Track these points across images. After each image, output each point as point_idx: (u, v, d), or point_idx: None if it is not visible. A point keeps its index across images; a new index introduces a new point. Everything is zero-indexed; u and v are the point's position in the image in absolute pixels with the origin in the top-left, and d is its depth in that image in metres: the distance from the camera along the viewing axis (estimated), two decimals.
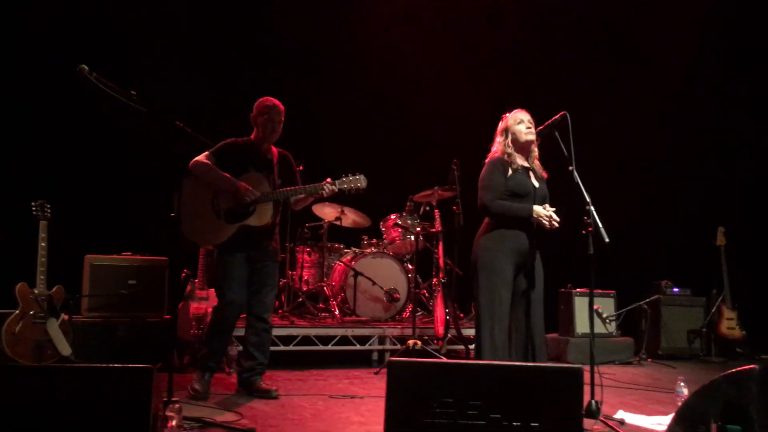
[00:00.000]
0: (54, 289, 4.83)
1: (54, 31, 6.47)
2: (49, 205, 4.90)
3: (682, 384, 4.08)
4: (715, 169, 7.79)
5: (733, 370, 3.02)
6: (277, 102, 4.45)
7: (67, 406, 2.69)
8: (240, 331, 5.63)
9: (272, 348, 5.37)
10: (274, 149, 4.55)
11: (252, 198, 4.25)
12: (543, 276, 4.19)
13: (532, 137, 4.13)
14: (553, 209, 4.01)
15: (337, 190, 4.42)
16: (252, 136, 4.50)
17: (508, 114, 4.24)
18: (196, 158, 4.32)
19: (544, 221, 3.98)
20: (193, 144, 4.09)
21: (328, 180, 4.43)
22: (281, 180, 4.50)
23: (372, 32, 7.98)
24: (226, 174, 4.28)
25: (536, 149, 4.21)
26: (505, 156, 4.14)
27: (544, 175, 4.23)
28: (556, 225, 3.99)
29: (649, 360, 6.70)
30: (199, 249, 5.53)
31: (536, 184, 4.14)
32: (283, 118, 4.45)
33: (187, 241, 4.31)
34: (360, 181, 4.44)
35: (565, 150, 3.97)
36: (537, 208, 4.00)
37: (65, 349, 4.75)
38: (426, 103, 8.14)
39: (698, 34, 7.75)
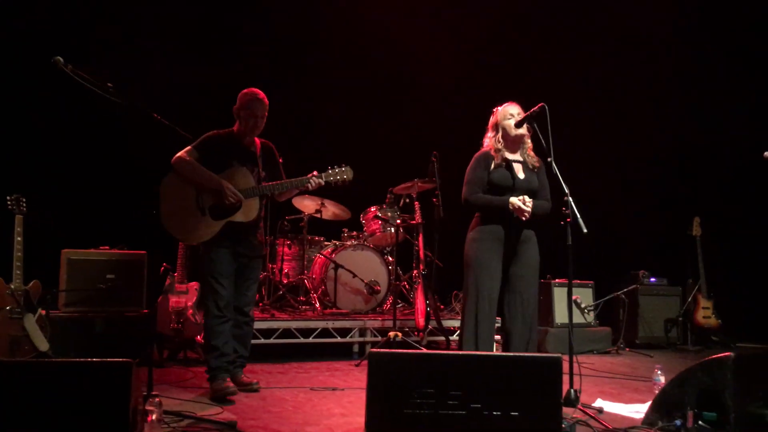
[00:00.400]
0: (30, 284, 4.77)
1: (29, 20, 6.38)
2: (24, 199, 4.83)
3: (659, 372, 4.13)
4: (690, 159, 7.88)
5: (709, 358, 3.07)
6: (261, 95, 4.33)
7: (45, 401, 2.67)
8: None
9: (253, 341, 5.31)
10: (257, 140, 4.47)
11: (235, 200, 4.17)
12: (537, 266, 4.22)
13: (522, 131, 4.16)
14: (530, 201, 4.04)
15: (323, 183, 4.38)
16: (234, 128, 4.40)
17: (498, 108, 4.26)
18: (178, 154, 4.21)
19: (515, 212, 4.02)
20: (172, 136, 4.02)
21: (315, 173, 4.38)
22: (265, 172, 4.44)
23: (353, 24, 7.95)
24: (208, 171, 4.19)
25: (528, 141, 4.25)
26: (492, 151, 4.18)
27: (537, 165, 4.25)
28: (527, 216, 4.03)
29: (627, 349, 6.78)
30: (178, 243, 5.49)
31: (521, 176, 4.17)
32: (266, 112, 4.35)
33: (170, 236, 4.25)
34: (346, 173, 4.41)
35: (543, 141, 3.99)
36: (512, 200, 4.04)
37: (42, 344, 4.70)
38: (406, 95, 8.14)
39: (676, 21, 7.81)
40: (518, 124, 4.15)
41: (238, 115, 4.35)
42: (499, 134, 4.21)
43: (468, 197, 4.16)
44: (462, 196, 4.20)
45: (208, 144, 4.29)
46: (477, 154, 4.26)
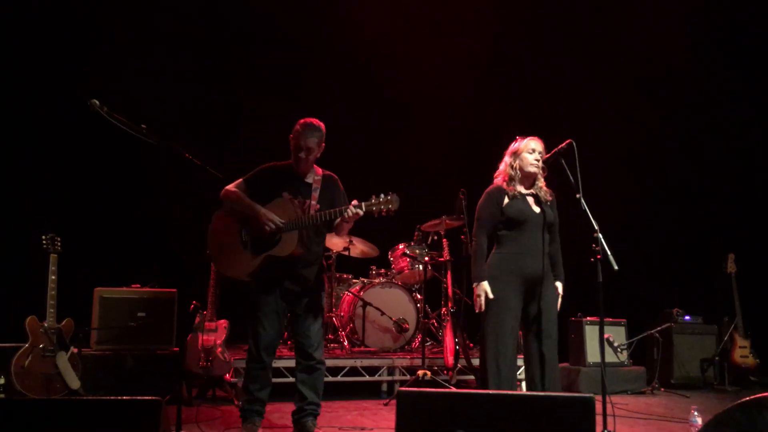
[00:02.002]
0: (63, 322, 4.84)
1: (69, 65, 6.59)
2: (59, 239, 4.93)
3: (696, 413, 4.03)
4: (725, 194, 7.77)
5: (747, 398, 2.98)
6: (312, 124, 4.08)
7: None
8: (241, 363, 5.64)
9: (280, 380, 5.35)
10: (319, 171, 4.22)
11: (272, 227, 3.94)
12: (557, 301, 4.17)
13: (536, 170, 4.16)
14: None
15: (362, 213, 3.95)
16: (291, 160, 4.18)
17: (522, 138, 4.26)
18: (227, 187, 4.11)
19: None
20: (203, 176, 4.07)
21: (354, 202, 4.00)
22: (321, 204, 4.12)
23: (380, 60, 8.05)
24: (249, 201, 4.03)
25: (542, 179, 4.24)
26: (505, 184, 4.18)
27: (549, 198, 4.23)
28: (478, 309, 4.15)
29: (662, 389, 6.61)
30: (209, 281, 5.54)
31: (536, 209, 4.15)
32: (313, 144, 4.05)
33: (215, 273, 4.19)
34: (392, 202, 3.96)
35: (571, 177, 3.97)
36: (478, 292, 4.13)
37: (74, 382, 4.74)
38: (433, 132, 8.18)
39: (708, 53, 7.78)
40: (546, 161, 4.14)
41: (291, 144, 4.13)
42: (516, 163, 4.19)
43: (475, 237, 4.21)
44: (473, 232, 4.24)
45: (259, 176, 4.14)
46: (488, 190, 4.25)
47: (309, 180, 4.18)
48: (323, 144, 4.16)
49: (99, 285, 5.55)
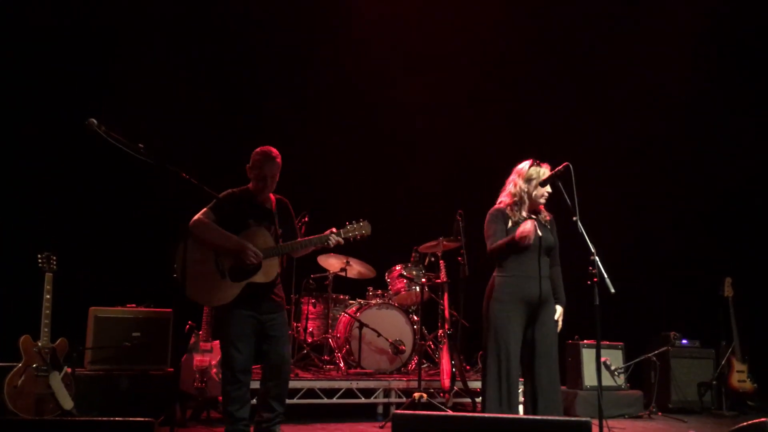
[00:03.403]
0: (57, 342, 4.81)
1: (64, 82, 6.61)
2: (55, 257, 4.92)
3: None
4: (723, 218, 7.79)
5: (744, 423, 2.97)
6: (272, 153, 4.27)
7: None
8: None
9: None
10: (272, 196, 4.41)
11: (257, 261, 4.11)
12: (556, 327, 4.16)
13: (543, 201, 4.21)
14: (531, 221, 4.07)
15: (342, 241, 4.30)
16: (250, 185, 4.36)
17: (534, 163, 4.24)
18: (196, 217, 4.18)
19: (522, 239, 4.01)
20: (199, 195, 4.07)
21: (333, 230, 4.31)
22: (282, 230, 4.37)
23: (376, 82, 8.09)
24: (227, 233, 4.15)
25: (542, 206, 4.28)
26: (509, 208, 4.19)
27: (548, 217, 4.24)
28: (528, 241, 4.00)
29: (660, 414, 6.58)
30: None
31: (539, 233, 4.15)
32: (276, 171, 4.28)
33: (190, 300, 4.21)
34: (364, 228, 4.34)
35: (568, 200, 3.98)
36: (520, 229, 4.03)
37: (67, 402, 4.70)
38: (430, 154, 8.21)
39: (708, 75, 7.83)
40: (543, 183, 4.15)
41: (250, 173, 4.30)
42: (529, 190, 4.19)
43: (492, 250, 4.17)
44: (487, 250, 4.21)
45: (223, 205, 4.23)
46: (492, 211, 4.26)
47: (268, 206, 4.37)
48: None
49: (94, 304, 5.52)
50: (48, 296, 4.81)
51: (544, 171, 4.20)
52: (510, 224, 4.14)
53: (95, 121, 3.28)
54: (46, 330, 4.74)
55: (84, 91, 6.59)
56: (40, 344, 4.70)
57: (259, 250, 4.14)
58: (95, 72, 6.77)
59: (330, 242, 4.27)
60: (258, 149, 4.31)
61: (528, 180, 4.21)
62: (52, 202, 6.45)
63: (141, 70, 6.91)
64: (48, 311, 4.78)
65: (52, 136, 6.43)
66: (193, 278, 4.09)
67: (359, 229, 4.33)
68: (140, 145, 3.42)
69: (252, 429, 4.41)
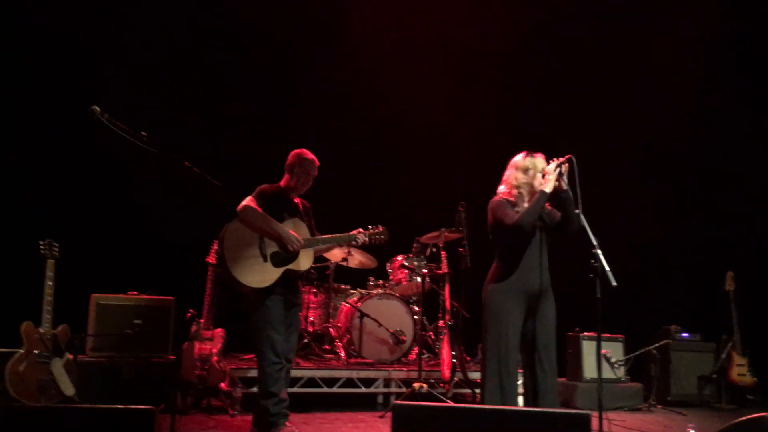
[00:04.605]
0: (59, 329, 4.81)
1: (64, 68, 6.59)
2: (57, 244, 4.92)
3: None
4: (725, 213, 7.77)
5: (744, 417, 2.97)
6: (314, 157, 4.61)
7: None
8: (248, 373, 5.62)
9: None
10: (297, 198, 4.67)
11: (298, 247, 4.36)
12: (554, 318, 4.15)
13: (543, 188, 4.14)
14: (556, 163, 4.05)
15: (368, 242, 4.71)
16: (282, 183, 4.62)
17: (528, 154, 4.22)
18: (245, 203, 4.39)
19: (557, 178, 4.00)
20: (202, 184, 4.07)
21: (360, 230, 4.69)
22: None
23: (379, 72, 8.07)
24: (274, 220, 4.38)
25: None
26: (510, 197, 4.16)
27: (548, 206, 4.22)
28: (562, 171, 4.00)
29: (659, 406, 6.59)
30: (205, 289, 5.52)
31: (538, 224, 4.15)
32: (317, 173, 4.61)
33: (227, 283, 4.35)
34: (384, 233, 4.79)
35: (571, 193, 3.97)
36: (547, 173, 4.03)
37: (69, 389, 4.71)
38: (433, 145, 8.19)
39: (707, 67, 7.80)
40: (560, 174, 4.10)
41: (292, 171, 4.57)
42: (527, 178, 4.17)
43: (516, 220, 4.00)
44: (508, 226, 4.02)
45: (265, 196, 4.48)
46: (495, 199, 4.22)
47: (296, 205, 4.65)
48: None
49: (95, 291, 5.53)
50: (50, 283, 4.81)
51: (540, 161, 4.18)
52: (516, 210, 4.12)
53: (98, 108, 3.27)
54: (47, 316, 4.75)
55: (87, 77, 6.57)
56: (41, 331, 4.71)
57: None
58: (99, 57, 6.76)
59: (358, 241, 4.67)
60: (299, 150, 4.63)
61: (525, 171, 4.18)
62: (54, 188, 6.45)
63: (139, 62, 6.92)
64: (50, 298, 4.78)
65: (54, 123, 6.42)
66: (238, 259, 4.31)
67: (381, 234, 4.78)
68: (143, 133, 3.41)
69: (252, 420, 4.45)
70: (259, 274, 4.34)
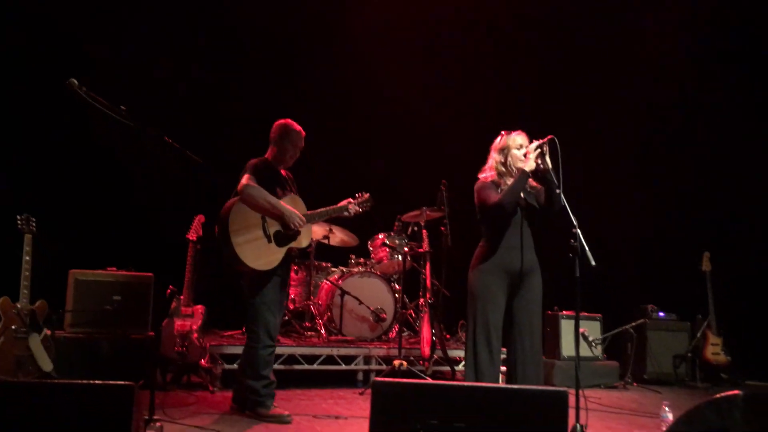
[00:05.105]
0: (37, 304, 4.77)
1: (41, 42, 6.47)
2: (34, 219, 4.86)
3: (667, 409, 4.08)
4: (701, 194, 7.85)
5: (717, 395, 3.02)
6: (300, 128, 4.51)
7: (46, 423, 2.65)
8: (228, 350, 5.62)
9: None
10: (282, 170, 4.57)
11: (301, 224, 4.31)
12: (539, 297, 4.19)
13: (523, 166, 4.12)
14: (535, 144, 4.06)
15: (360, 210, 4.69)
16: (269, 156, 4.49)
17: (507, 133, 4.24)
18: (245, 182, 4.22)
19: (539, 159, 4.00)
20: (182, 159, 4.03)
21: (350, 200, 4.65)
22: None
23: (357, 52, 8.02)
24: (275, 198, 4.27)
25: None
26: (494, 179, 4.18)
27: (535, 183, 4.23)
28: (544, 151, 4.01)
29: (635, 384, 6.70)
30: (185, 265, 5.49)
31: (527, 199, 4.17)
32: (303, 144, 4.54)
33: (234, 266, 4.21)
34: (370, 200, 4.78)
35: (553, 173, 3.99)
36: (528, 152, 4.04)
37: (47, 365, 4.68)
38: (414, 123, 8.17)
39: (685, 50, 7.83)
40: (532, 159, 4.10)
41: (279, 144, 4.45)
42: (508, 160, 4.19)
43: (498, 200, 4.03)
44: (491, 206, 4.07)
45: (259, 172, 4.32)
46: (480, 181, 4.24)
47: (284, 177, 4.55)
48: None
49: (74, 267, 5.48)
50: (27, 258, 4.76)
51: (518, 137, 4.19)
52: (500, 191, 4.13)
53: (76, 81, 3.22)
54: (25, 292, 4.69)
55: (67, 51, 6.45)
56: (19, 306, 4.66)
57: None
58: (79, 30, 6.64)
59: (350, 212, 4.63)
60: (284, 121, 4.51)
61: (502, 151, 4.21)
62: (31, 163, 6.35)
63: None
64: (27, 273, 4.73)
65: (31, 97, 6.31)
66: (244, 242, 4.18)
67: (368, 201, 4.75)
68: (122, 107, 3.36)
69: (232, 396, 4.46)
70: (265, 256, 4.24)
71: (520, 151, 4.16)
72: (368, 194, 4.77)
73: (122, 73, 6.56)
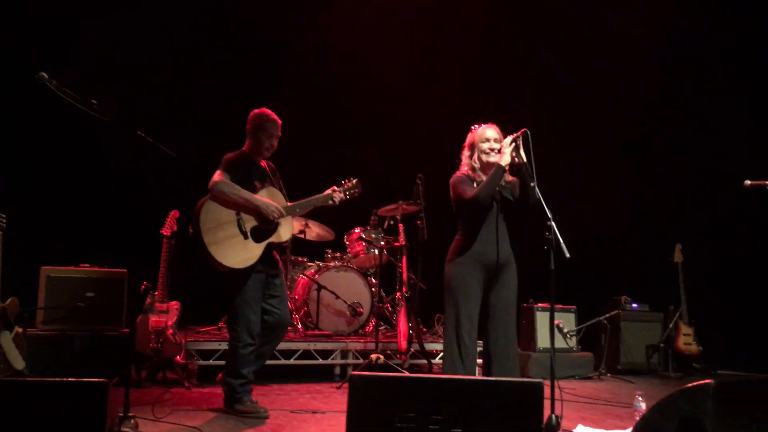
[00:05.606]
0: (8, 301, 4.68)
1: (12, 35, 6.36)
2: (4, 215, 4.77)
3: (640, 399, 4.13)
4: (673, 186, 7.95)
5: (689, 385, 3.07)
6: (275, 116, 4.38)
7: (19, 421, 2.62)
8: (204, 345, 5.58)
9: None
10: (263, 161, 4.48)
11: (278, 216, 4.21)
12: (515, 290, 4.21)
13: (494, 160, 4.13)
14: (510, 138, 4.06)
15: (346, 197, 4.52)
16: (246, 149, 4.40)
17: (476, 126, 4.27)
18: (215, 178, 4.14)
19: (514, 153, 4.02)
20: (155, 154, 3.98)
21: (334, 188, 4.50)
22: None
23: (334, 43, 8.00)
24: (248, 192, 4.19)
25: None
26: (470, 173, 4.20)
27: (510, 178, 4.25)
28: (518, 144, 4.02)
29: (609, 375, 6.78)
30: (159, 261, 5.44)
31: (501, 192, 4.20)
32: (280, 133, 4.40)
33: (208, 264, 4.14)
34: (357, 187, 4.59)
35: (527, 167, 4.01)
36: (504, 151, 4.03)
37: (18, 362, 4.60)
38: (390, 117, 8.17)
39: (658, 45, 7.91)
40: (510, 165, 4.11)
41: (254, 136, 4.35)
42: (475, 155, 4.21)
43: (474, 195, 4.03)
44: (466, 201, 4.07)
45: (233, 166, 4.24)
46: (455, 175, 4.25)
47: (263, 168, 4.44)
48: None
49: (46, 264, 5.40)
50: None
51: (487, 130, 4.20)
52: (475, 185, 4.15)
53: (46, 74, 3.16)
54: None
55: (39, 44, 6.35)
56: None
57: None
58: (51, 24, 6.54)
59: (335, 200, 4.46)
60: (258, 111, 4.38)
61: (471, 146, 4.24)
62: (2, 158, 6.24)
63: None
64: None
65: (4, 94, 6.20)
66: (218, 241, 4.10)
67: (355, 187, 4.57)
68: (93, 101, 3.31)
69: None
70: (242, 253, 4.15)
71: (486, 144, 4.16)
72: (356, 180, 4.60)
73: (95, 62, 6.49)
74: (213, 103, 7.27)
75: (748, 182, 4.70)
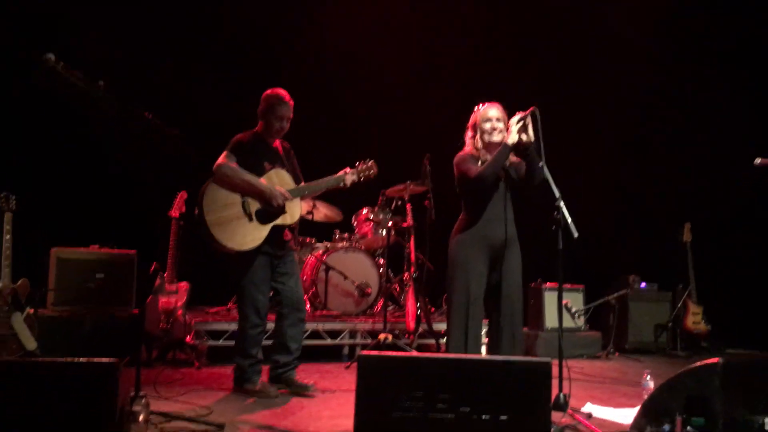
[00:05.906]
0: (19, 283, 4.73)
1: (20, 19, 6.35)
2: (14, 197, 4.80)
3: (648, 377, 4.14)
4: (682, 164, 7.90)
5: (697, 364, 3.07)
6: (287, 96, 4.34)
7: (31, 401, 2.65)
8: (213, 326, 5.62)
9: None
10: (277, 141, 4.46)
11: (283, 202, 4.19)
12: (520, 269, 4.20)
13: (498, 139, 4.09)
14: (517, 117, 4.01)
15: (357, 179, 4.45)
16: (258, 129, 4.38)
17: (479, 106, 4.24)
18: (219, 161, 4.15)
19: (522, 132, 3.96)
20: (164, 135, 3.98)
21: (348, 169, 4.44)
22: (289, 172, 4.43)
23: (339, 26, 7.93)
24: (253, 175, 4.18)
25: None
26: (473, 153, 4.18)
27: (516, 160, 4.22)
28: (526, 123, 3.97)
29: (617, 354, 6.79)
30: (168, 242, 5.46)
31: (508, 171, 4.18)
32: (292, 114, 4.36)
33: (211, 245, 4.15)
34: (372, 168, 4.52)
35: (535, 145, 3.99)
36: (511, 129, 3.97)
37: (30, 343, 4.66)
38: (398, 97, 8.12)
39: (665, 29, 7.83)
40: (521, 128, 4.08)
41: (265, 117, 4.32)
42: (478, 136, 4.19)
43: (479, 173, 3.99)
44: (471, 179, 4.03)
45: (241, 148, 4.24)
46: (459, 154, 4.22)
47: (276, 149, 4.41)
48: None
49: (56, 245, 5.43)
50: (8, 236, 4.70)
51: (489, 109, 4.17)
52: (479, 164, 4.12)
53: (53, 57, 3.16)
54: (6, 270, 4.65)
55: (44, 28, 6.34)
56: (0, 285, 4.62)
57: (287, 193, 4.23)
58: (51, 24, 6.52)
59: (346, 182, 4.40)
60: (270, 92, 4.35)
61: (474, 126, 4.21)
62: (11, 139, 6.26)
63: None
64: (8, 252, 4.68)
65: (9, 73, 6.20)
66: (222, 223, 4.11)
67: (369, 168, 4.50)
68: (100, 83, 3.31)
69: (268, 373, 4.45)
70: (246, 235, 4.15)
71: (488, 123, 4.13)
72: (371, 161, 4.54)
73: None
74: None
75: (758, 160, 4.67)
